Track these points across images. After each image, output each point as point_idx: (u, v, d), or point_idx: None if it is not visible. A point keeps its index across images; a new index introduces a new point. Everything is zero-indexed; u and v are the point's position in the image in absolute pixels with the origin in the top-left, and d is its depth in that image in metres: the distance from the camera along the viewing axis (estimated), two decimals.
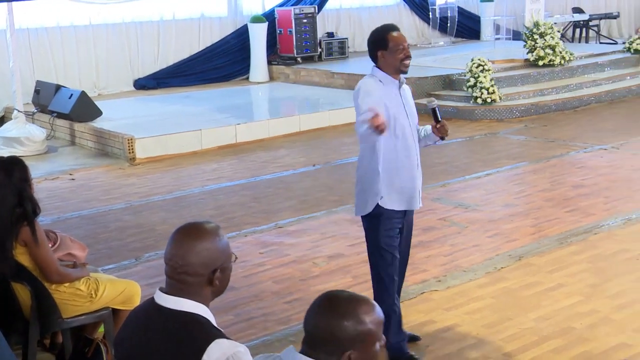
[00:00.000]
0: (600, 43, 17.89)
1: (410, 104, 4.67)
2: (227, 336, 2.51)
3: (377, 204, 4.56)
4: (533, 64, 13.68)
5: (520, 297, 5.57)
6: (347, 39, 16.26)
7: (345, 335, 2.29)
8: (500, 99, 12.21)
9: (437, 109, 4.67)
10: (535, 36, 13.65)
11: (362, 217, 4.72)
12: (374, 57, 4.60)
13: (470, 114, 12.12)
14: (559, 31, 14.69)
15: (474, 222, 7.21)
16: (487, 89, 12.06)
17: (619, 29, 20.10)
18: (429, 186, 8.38)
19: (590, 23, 18.19)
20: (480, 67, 12.30)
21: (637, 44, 15.01)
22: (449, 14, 17.47)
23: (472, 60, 12.45)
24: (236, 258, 2.67)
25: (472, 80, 12.21)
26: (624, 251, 6.39)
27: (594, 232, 6.83)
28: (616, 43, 17.14)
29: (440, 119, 4.66)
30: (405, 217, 4.69)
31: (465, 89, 12.37)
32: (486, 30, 18.23)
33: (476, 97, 12.09)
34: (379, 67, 4.58)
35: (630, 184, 8.26)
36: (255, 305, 5.62)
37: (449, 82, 13.14)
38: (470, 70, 12.32)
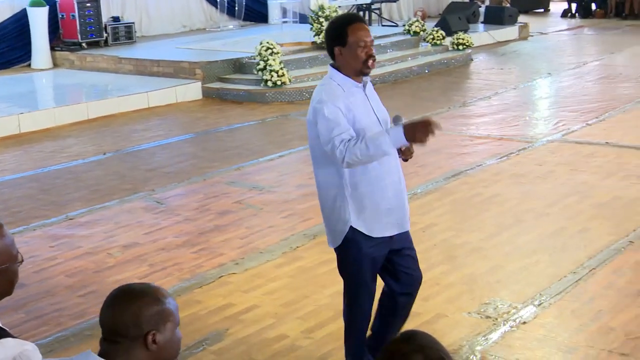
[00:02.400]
0: (383, 25, 18.55)
1: (379, 107, 3.97)
2: (13, 335, 2.39)
3: (356, 231, 3.88)
4: (320, 47, 13.96)
5: (316, 275, 5.70)
6: (133, 23, 15.89)
7: (145, 315, 2.28)
8: (290, 81, 12.40)
9: None
10: (321, 19, 13.95)
11: (335, 248, 4.05)
12: (331, 54, 3.88)
13: (262, 97, 12.23)
14: None
15: (268, 204, 7.29)
16: (277, 72, 12.21)
17: (399, 12, 20.92)
18: (223, 170, 8.40)
19: (373, 6, 18.80)
20: (270, 51, 12.42)
21: (416, 26, 15.72)
22: None
23: (261, 43, 12.55)
24: (22, 260, 2.51)
25: (262, 64, 12.30)
26: (412, 224, 6.60)
27: None
28: (397, 25, 17.84)
29: None
30: (392, 242, 4.02)
31: (256, 72, 12.45)
32: (274, 13, 18.42)
33: (266, 80, 12.20)
34: (336, 68, 3.86)
35: (415, 160, 8.47)
36: (47, 301, 5.40)
37: (239, 66, 13.18)
38: (260, 54, 12.41)
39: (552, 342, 4.67)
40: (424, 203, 7.21)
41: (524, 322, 4.89)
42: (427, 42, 15.60)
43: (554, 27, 21.34)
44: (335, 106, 3.72)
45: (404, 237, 4.10)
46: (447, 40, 15.74)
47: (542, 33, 19.69)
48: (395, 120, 3.88)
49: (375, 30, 16.85)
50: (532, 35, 19.00)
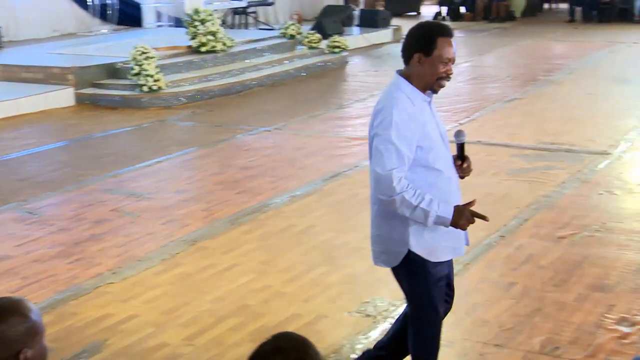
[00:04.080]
0: (259, 29, 18.58)
1: (441, 125, 3.73)
2: None
3: (420, 256, 3.65)
4: (196, 51, 13.87)
5: (197, 281, 5.65)
6: (1, 27, 15.34)
7: (15, 335, 2.25)
8: (166, 86, 12.24)
9: (464, 144, 3.82)
10: (197, 23, 13.84)
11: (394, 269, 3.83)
12: (407, 58, 3.61)
13: (138, 103, 12.02)
14: (219, 18, 15.02)
15: (147, 211, 7.18)
16: (152, 77, 12.03)
17: (275, 15, 21.00)
18: (98, 177, 8.22)
19: (249, 10, 18.80)
20: (144, 55, 12.22)
21: (291, 30, 15.81)
22: (108, 1, 17.16)
23: (136, 48, 12.34)
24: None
25: (137, 68, 12.10)
26: (291, 226, 6.72)
27: (263, 211, 7.11)
28: (273, 29, 17.89)
29: (466, 156, 3.81)
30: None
31: (130, 77, 12.24)
32: (148, 17, 18.16)
33: (142, 85, 12.01)
34: (406, 76, 3.60)
35: (294, 163, 8.70)
36: None
37: (113, 71, 12.91)
38: (134, 58, 12.20)
39: None
40: (303, 205, 7.26)
41: None
42: (304, 45, 15.71)
43: None
44: (406, 126, 3.49)
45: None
46: (323, 43, 15.89)
47: None
48: (457, 135, 3.77)
49: (251, 33, 16.88)
50: (404, 38, 19.37)
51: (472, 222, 3.57)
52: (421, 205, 3.46)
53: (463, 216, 3.53)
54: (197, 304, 5.26)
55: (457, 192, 3.73)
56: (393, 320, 4.92)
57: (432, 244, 3.65)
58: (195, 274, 5.76)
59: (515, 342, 4.61)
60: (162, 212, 7.13)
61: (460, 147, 3.78)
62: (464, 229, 3.59)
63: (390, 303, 5.19)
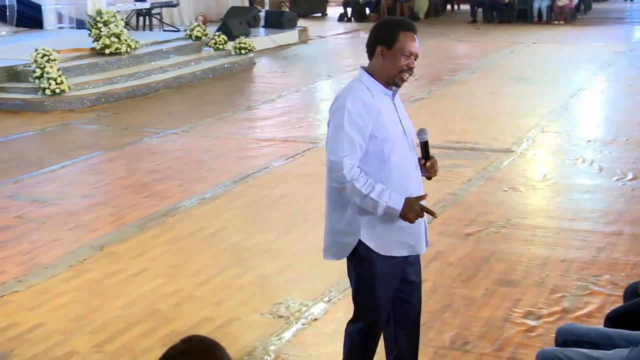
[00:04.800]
0: (164, 30, 18.38)
1: (406, 118, 3.70)
2: None
3: (370, 248, 3.62)
4: (100, 53, 13.63)
5: (105, 287, 5.54)
6: None
7: None
8: (69, 89, 11.99)
9: (428, 142, 3.77)
10: (100, 24, 13.59)
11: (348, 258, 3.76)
12: (371, 52, 3.63)
13: (40, 106, 11.73)
14: (122, 19, 14.80)
15: (52, 217, 7.01)
16: (55, 80, 11.76)
17: (180, 17, 20.79)
18: (0, 184, 7.98)
19: (153, 11, 18.56)
20: (46, 57, 11.94)
21: (197, 31, 15.70)
22: (7, 3, 16.68)
23: (37, 50, 12.04)
24: None
25: (39, 71, 11.81)
26: (201, 230, 6.67)
27: (172, 214, 7.03)
28: (178, 30, 17.73)
29: (431, 155, 3.76)
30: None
31: (32, 80, 11.94)
32: (49, 19, 17.70)
33: (44, 88, 11.73)
34: (369, 71, 3.61)
35: (202, 165, 8.63)
36: None
37: (13, 74, 12.57)
38: (36, 61, 11.91)
39: (342, 336, 4.79)
40: (212, 207, 7.21)
41: (315, 319, 5.01)
42: (210, 46, 15.63)
43: (332, 30, 22.03)
44: (358, 113, 3.49)
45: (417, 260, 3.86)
46: (230, 45, 15.83)
47: (321, 37, 20.26)
48: (420, 133, 3.72)
49: (156, 35, 16.69)
50: (311, 39, 19.50)
51: (421, 215, 3.57)
52: (371, 195, 3.46)
53: (412, 209, 3.52)
54: (106, 310, 5.16)
55: (418, 190, 3.65)
56: (305, 320, 4.96)
57: (385, 237, 3.60)
58: (103, 280, 5.66)
59: (426, 338, 4.67)
60: (68, 218, 6.98)
61: (424, 145, 3.75)
62: (412, 222, 3.55)
63: (302, 303, 5.20)
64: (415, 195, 3.59)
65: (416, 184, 3.67)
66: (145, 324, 4.96)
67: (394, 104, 3.65)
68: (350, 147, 3.48)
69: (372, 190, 3.47)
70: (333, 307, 5.17)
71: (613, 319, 3.83)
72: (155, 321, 5.00)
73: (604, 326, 3.83)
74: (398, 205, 3.51)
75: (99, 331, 4.88)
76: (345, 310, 5.13)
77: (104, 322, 5.01)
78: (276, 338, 4.77)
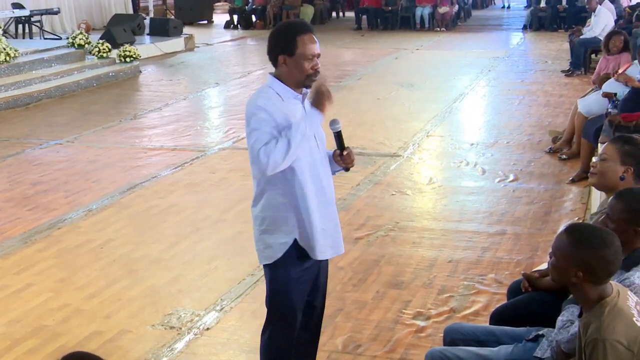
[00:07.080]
0: (45, 39, 17.88)
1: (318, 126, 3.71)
2: None
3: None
4: None
5: None
6: None
7: None
8: None
9: (341, 132, 3.73)
10: None
11: (264, 265, 3.78)
12: (274, 61, 3.63)
13: None
14: (0, 27, 14.33)
15: None
16: None
17: (61, 24, 20.28)
18: None
19: (32, 19, 18.05)
20: None
21: (80, 39, 15.37)
22: None
23: None
24: None
25: None
26: (88, 242, 6.52)
27: (58, 227, 6.85)
28: (60, 38, 17.28)
29: (346, 146, 3.77)
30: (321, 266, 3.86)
31: None
32: None
33: None
34: (277, 76, 3.62)
35: (88, 176, 8.44)
36: None
37: None
38: None
39: (235, 344, 4.80)
40: (100, 219, 7.06)
41: (208, 328, 4.98)
42: (93, 55, 15.31)
43: (218, 38, 21.93)
44: (268, 115, 3.51)
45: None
46: (114, 53, 15.55)
47: (207, 44, 20.13)
48: (332, 123, 3.70)
49: (37, 43, 16.22)
50: (198, 47, 19.35)
51: (330, 97, 3.58)
52: (291, 142, 3.46)
53: (323, 96, 3.57)
54: None
55: (329, 190, 3.76)
56: (197, 330, 4.92)
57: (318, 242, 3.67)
58: None
59: (319, 343, 4.71)
60: None
61: (337, 136, 3.73)
62: (330, 100, 3.58)
63: (194, 313, 5.16)
64: (327, 199, 3.73)
65: (328, 187, 3.76)
66: (32, 341, 4.82)
67: (304, 107, 3.67)
68: (263, 140, 3.49)
69: (287, 140, 3.47)
70: (225, 316, 5.14)
71: (498, 317, 3.96)
72: (43, 337, 4.87)
73: (490, 324, 3.96)
74: (310, 116, 3.56)
75: None
76: (237, 318, 5.13)
77: None
78: (168, 349, 4.72)
